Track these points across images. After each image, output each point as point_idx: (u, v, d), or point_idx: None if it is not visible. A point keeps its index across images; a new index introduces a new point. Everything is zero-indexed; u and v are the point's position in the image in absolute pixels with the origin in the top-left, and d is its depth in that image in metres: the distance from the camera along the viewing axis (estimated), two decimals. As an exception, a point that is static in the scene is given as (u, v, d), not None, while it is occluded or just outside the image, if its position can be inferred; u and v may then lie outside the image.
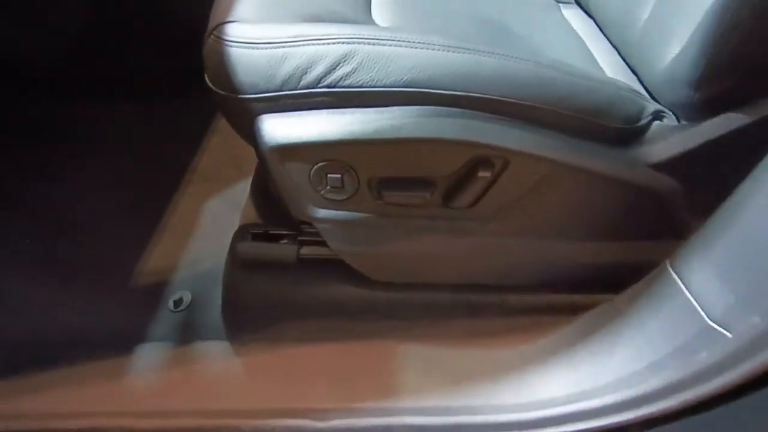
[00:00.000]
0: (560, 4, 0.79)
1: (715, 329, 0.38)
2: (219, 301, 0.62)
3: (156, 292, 0.63)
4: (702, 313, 0.40)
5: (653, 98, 0.54)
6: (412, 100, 0.44)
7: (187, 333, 0.60)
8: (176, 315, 0.62)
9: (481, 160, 0.45)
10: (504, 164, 0.45)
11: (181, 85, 0.88)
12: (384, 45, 0.43)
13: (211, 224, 0.73)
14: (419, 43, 0.43)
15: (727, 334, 0.38)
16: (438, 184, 0.47)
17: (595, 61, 0.64)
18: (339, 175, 0.47)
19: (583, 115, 0.45)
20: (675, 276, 0.43)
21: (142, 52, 0.97)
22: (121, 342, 0.58)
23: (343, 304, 0.56)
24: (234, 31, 0.45)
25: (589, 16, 0.76)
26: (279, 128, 0.45)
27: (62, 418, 0.52)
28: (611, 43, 0.68)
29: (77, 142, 0.86)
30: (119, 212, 0.74)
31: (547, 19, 0.71)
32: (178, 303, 0.62)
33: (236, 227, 0.69)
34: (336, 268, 0.54)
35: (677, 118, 0.51)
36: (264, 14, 0.49)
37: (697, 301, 0.40)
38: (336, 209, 0.50)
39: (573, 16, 0.76)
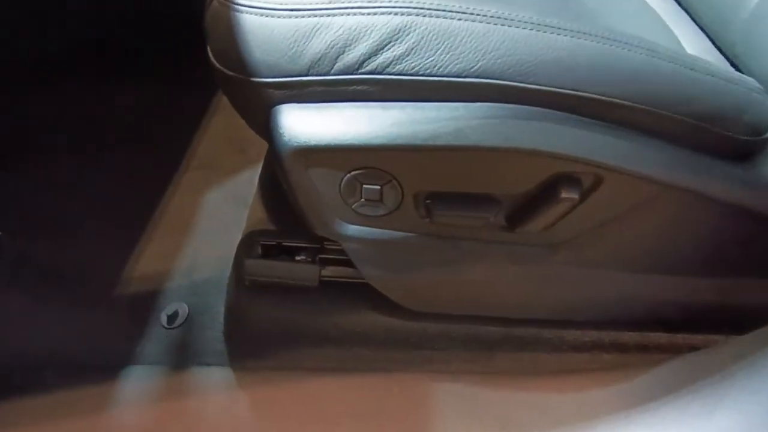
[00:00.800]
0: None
1: None
2: (221, 317, 0.52)
3: (146, 303, 0.54)
4: None
5: None
6: (484, 95, 0.33)
7: (183, 356, 0.50)
8: (170, 332, 0.52)
9: (565, 176, 0.34)
10: (595, 182, 0.35)
11: (176, 53, 0.76)
12: (452, 18, 0.32)
13: (212, 221, 0.63)
14: (501, 18, 0.32)
15: None
16: (504, 203, 0.37)
17: (680, 46, 0.53)
18: (378, 187, 0.37)
19: (703, 122, 0.35)
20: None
21: (128, 13, 0.84)
22: (104, 365, 0.49)
23: (370, 333, 0.47)
24: (247, -9, 0.34)
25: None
26: (303, 124, 0.34)
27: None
28: (697, 23, 0.56)
29: (54, 124, 0.75)
30: (104, 206, 0.63)
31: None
32: (172, 318, 0.53)
33: (242, 226, 0.59)
34: (363, 292, 0.44)
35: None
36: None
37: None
38: (370, 227, 0.39)
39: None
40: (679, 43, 0.52)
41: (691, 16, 0.54)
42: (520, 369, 0.48)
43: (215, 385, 0.49)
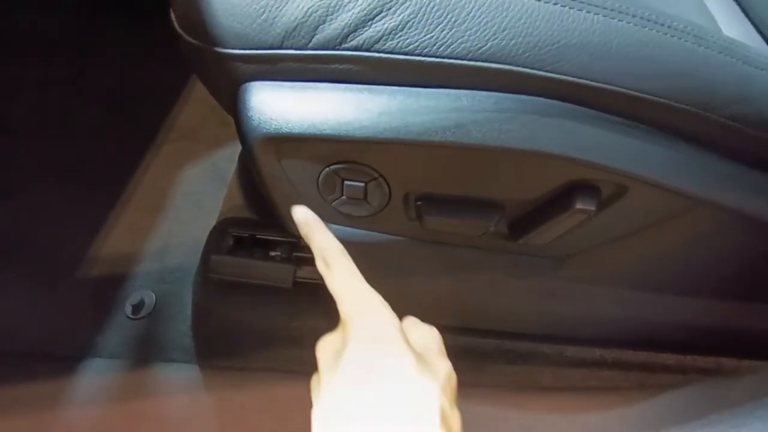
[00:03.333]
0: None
1: None
2: (189, 310, 0.48)
3: (110, 289, 0.49)
4: None
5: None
6: (493, 83, 0.27)
7: (146, 349, 0.46)
8: (134, 323, 0.48)
9: (583, 184, 0.29)
10: (617, 193, 0.30)
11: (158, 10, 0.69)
12: (458, -14, 0.26)
13: (188, 199, 0.57)
14: (517, -13, 0.26)
15: None
16: (508, 209, 0.32)
17: (714, 22, 0.47)
18: (361, 184, 0.31)
19: (749, 127, 0.29)
20: None
21: None
22: (59, 355, 0.45)
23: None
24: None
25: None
26: (275, 107, 0.29)
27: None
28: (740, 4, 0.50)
29: (18, 89, 0.68)
30: (71, 176, 0.58)
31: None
32: (137, 308, 0.49)
33: (218, 209, 0.54)
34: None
35: None
36: None
37: None
38: (352, 227, 0.34)
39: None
40: (715, 23, 0.46)
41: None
42: (512, 383, 0.44)
43: (180, 384, 0.45)
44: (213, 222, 0.49)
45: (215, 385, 0.45)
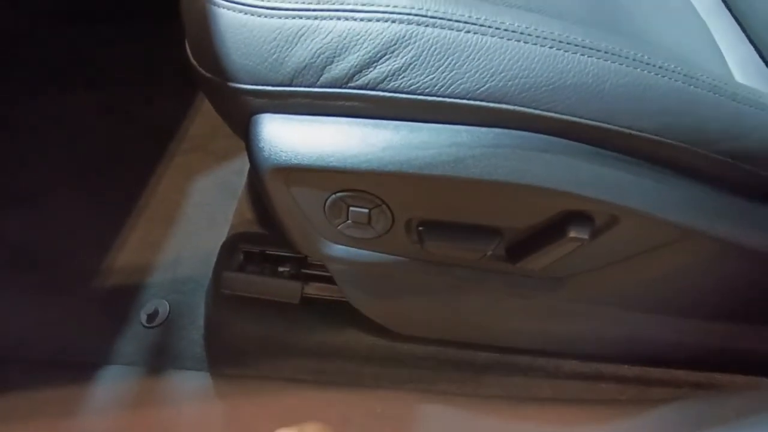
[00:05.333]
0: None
1: None
2: (201, 320, 0.50)
3: (125, 298, 0.52)
4: None
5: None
6: (492, 120, 0.28)
7: (160, 358, 0.48)
8: (148, 332, 0.50)
9: (577, 214, 0.31)
10: (609, 223, 0.31)
11: (168, 28, 0.71)
12: (459, 30, 0.27)
13: (200, 211, 0.59)
14: (516, 32, 0.27)
15: None
16: (505, 235, 0.33)
17: (719, 53, 0.47)
18: (366, 210, 0.33)
19: (739, 160, 0.30)
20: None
21: None
22: (75, 363, 0.47)
23: (354, 350, 0.44)
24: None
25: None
26: (285, 139, 0.31)
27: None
28: (740, 23, 0.50)
29: (35, 96, 0.70)
30: (87, 186, 0.60)
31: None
32: (152, 317, 0.51)
33: (229, 221, 0.56)
34: (347, 311, 0.42)
35: None
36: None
37: None
38: (357, 248, 0.36)
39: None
40: (722, 55, 0.47)
41: (740, 26, 0.48)
42: (510, 394, 0.46)
43: (192, 392, 0.47)
44: (223, 234, 0.51)
45: (226, 392, 0.47)
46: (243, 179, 0.60)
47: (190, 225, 0.58)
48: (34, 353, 0.48)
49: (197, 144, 0.67)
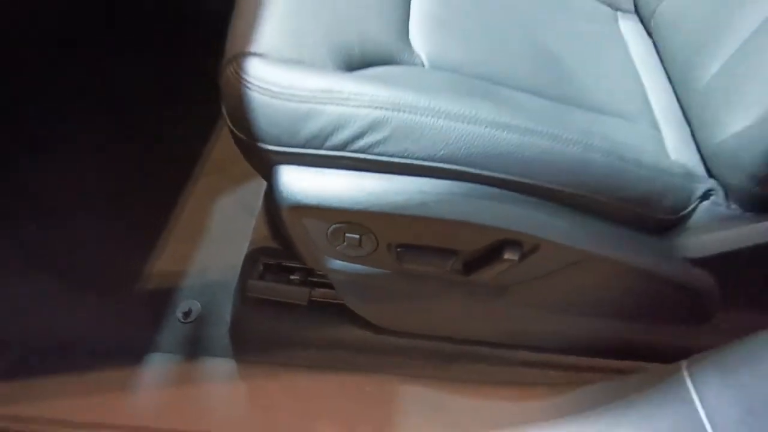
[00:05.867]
0: (618, 13, 0.71)
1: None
2: (228, 316, 0.61)
3: (165, 300, 0.63)
4: (707, 424, 0.39)
5: (705, 166, 0.50)
6: (445, 175, 0.40)
7: (194, 347, 0.60)
8: (184, 326, 0.62)
9: (509, 241, 0.42)
10: (533, 248, 0.42)
11: (190, 56, 0.83)
12: (421, 115, 0.38)
13: (221, 227, 0.71)
14: (462, 116, 0.38)
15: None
16: (460, 255, 0.45)
17: (647, 102, 0.59)
18: (357, 236, 0.44)
19: (628, 204, 0.42)
20: (690, 384, 0.41)
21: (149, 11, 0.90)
22: (126, 352, 0.59)
23: (349, 342, 0.56)
24: (255, 69, 0.41)
25: (649, 34, 0.68)
26: (299, 184, 0.42)
27: (65, 427, 0.54)
28: (670, 80, 0.62)
29: (73, 122, 0.82)
30: (124, 207, 0.72)
31: (601, 41, 0.64)
32: (187, 314, 0.62)
33: (247, 234, 0.67)
34: (344, 311, 0.53)
35: (726, 195, 0.47)
36: (292, 42, 0.44)
37: (707, 418, 0.39)
38: (351, 263, 0.48)
39: (630, 30, 0.69)
40: (647, 101, 0.58)
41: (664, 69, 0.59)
42: (473, 378, 0.57)
43: (220, 375, 0.59)
44: (243, 247, 0.63)
45: (248, 375, 0.58)
46: (259, 200, 0.71)
47: (214, 239, 0.70)
48: (93, 344, 0.60)
49: (218, 167, 0.79)
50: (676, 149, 0.53)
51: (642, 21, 0.69)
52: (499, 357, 0.56)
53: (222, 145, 0.82)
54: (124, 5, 0.90)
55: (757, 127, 0.43)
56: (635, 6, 0.71)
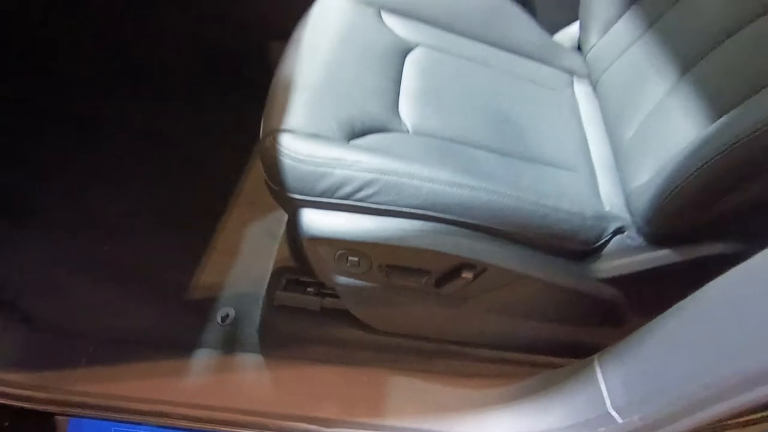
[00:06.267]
0: (575, 78, 0.88)
1: (612, 415, 0.52)
2: (257, 320, 0.78)
3: (207, 306, 0.80)
4: (607, 401, 0.54)
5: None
6: (419, 217, 0.57)
7: (231, 344, 0.77)
8: (223, 328, 0.79)
9: (465, 264, 0.58)
10: (482, 270, 0.59)
11: (231, 101, 1.02)
12: (400, 177, 0.55)
13: (252, 248, 0.88)
14: (429, 178, 0.55)
15: (619, 420, 0.52)
16: (432, 273, 0.61)
17: (588, 152, 0.75)
18: (357, 259, 0.61)
19: (550, 238, 0.58)
20: (598, 369, 0.57)
21: (195, 62, 1.10)
22: (178, 346, 0.76)
23: (350, 341, 0.72)
24: (286, 141, 0.58)
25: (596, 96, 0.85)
26: (315, 222, 0.59)
27: (136, 402, 0.71)
28: (608, 133, 0.78)
29: (128, 151, 1.01)
30: (174, 231, 0.90)
31: (555, 103, 0.81)
32: (224, 318, 0.79)
33: (272, 255, 0.84)
34: (348, 315, 0.70)
35: (637, 230, 0.63)
36: (312, 119, 0.61)
37: (607, 392, 0.54)
38: (353, 278, 0.64)
39: (583, 93, 0.85)
40: (587, 151, 0.74)
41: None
42: (447, 371, 0.73)
43: (249, 365, 0.75)
44: (269, 266, 0.80)
45: (273, 367, 0.74)
46: (282, 227, 0.88)
47: (245, 259, 0.87)
48: (153, 339, 0.76)
49: (249, 200, 0.96)
50: (608, 194, 0.70)
51: (592, 85, 0.86)
52: (467, 354, 0.72)
53: (252, 182, 1.00)
54: (174, 55, 1.09)
55: (649, 182, 0.59)
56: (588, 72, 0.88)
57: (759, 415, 0.44)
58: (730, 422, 0.45)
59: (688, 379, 0.44)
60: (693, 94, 0.58)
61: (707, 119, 0.54)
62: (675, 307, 0.50)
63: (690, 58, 0.61)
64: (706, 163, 0.48)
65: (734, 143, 0.46)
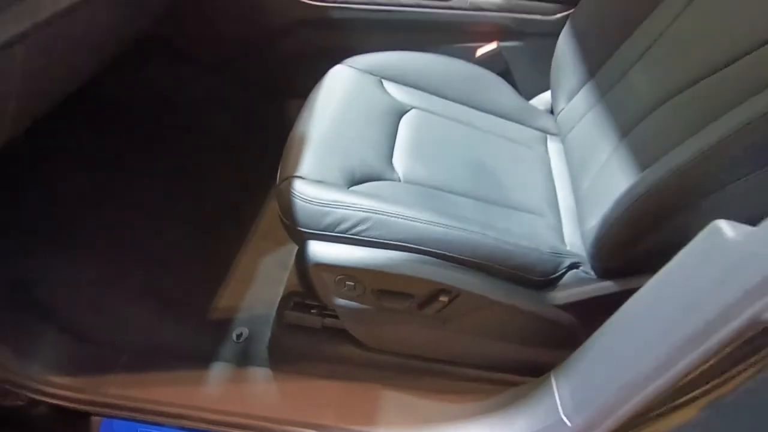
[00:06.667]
0: (548, 136, 1.02)
1: (564, 420, 0.63)
2: (267, 339, 0.90)
3: (225, 326, 0.93)
4: (560, 409, 0.64)
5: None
6: (404, 249, 0.69)
7: (244, 359, 0.88)
8: (237, 345, 0.90)
9: (442, 289, 0.70)
10: (457, 294, 0.70)
11: (255, 149, 1.18)
12: (389, 216, 0.69)
13: (265, 277, 1.01)
14: (412, 217, 0.69)
15: (568, 423, 0.62)
16: (415, 297, 0.73)
17: (555, 200, 0.88)
18: (353, 283, 0.73)
19: (512, 270, 0.70)
20: (553, 382, 0.67)
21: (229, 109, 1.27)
22: (200, 359, 0.88)
23: (349, 358, 0.83)
24: (298, 186, 0.73)
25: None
26: (319, 251, 0.72)
27: (161, 405, 0.82)
28: (572, 184, 0.91)
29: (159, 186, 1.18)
30: (201, 259, 1.04)
31: (529, 158, 0.95)
32: (239, 336, 0.91)
33: (282, 282, 0.97)
34: (346, 334, 0.81)
35: (591, 266, 0.75)
36: (320, 168, 0.76)
37: (559, 401, 0.65)
38: (349, 300, 0.76)
39: (555, 150, 0.99)
40: (555, 198, 0.87)
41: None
42: (432, 388, 0.83)
43: (260, 378, 0.86)
44: (278, 291, 0.92)
45: (278, 378, 0.85)
46: (291, 258, 1.01)
47: (259, 285, 1.00)
48: (177, 352, 0.88)
49: (263, 234, 1.10)
50: (569, 235, 0.82)
51: (562, 143, 1.00)
52: (448, 372, 0.82)
53: (266, 220, 1.14)
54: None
55: (595, 225, 0.71)
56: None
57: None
58: (651, 415, 0.55)
59: (613, 379, 0.55)
60: (628, 155, 0.71)
61: (637, 175, 0.67)
62: (605, 323, 0.61)
63: (626, 126, 0.75)
64: (627, 208, 0.60)
65: (647, 192, 0.58)
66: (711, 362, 0.46)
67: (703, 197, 0.53)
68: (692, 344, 0.45)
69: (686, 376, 0.48)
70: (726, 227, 0.42)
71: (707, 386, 0.48)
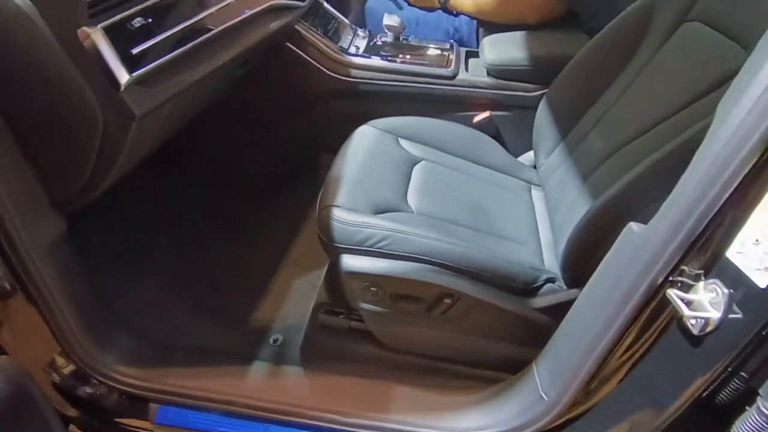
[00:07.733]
0: (532, 186, 1.26)
1: (542, 396, 0.80)
2: (299, 343, 1.07)
3: (264, 332, 1.11)
4: (540, 387, 0.81)
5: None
6: (417, 260, 0.90)
7: (279, 359, 1.06)
8: (274, 348, 1.08)
9: (447, 293, 0.90)
10: (458, 297, 0.90)
11: (291, 194, 1.42)
12: (405, 235, 0.90)
13: (297, 294, 1.21)
14: (423, 236, 0.90)
15: (545, 398, 0.79)
16: (425, 300, 0.92)
17: (537, 234, 1.10)
18: (375, 289, 0.93)
19: (500, 278, 0.90)
20: (534, 367, 0.85)
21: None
22: (243, 358, 1.05)
23: (367, 357, 1.01)
24: (336, 212, 0.95)
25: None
26: (351, 264, 0.93)
27: (210, 392, 0.98)
28: (550, 222, 1.13)
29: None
30: (246, 279, 1.24)
31: (516, 201, 1.18)
32: (275, 341, 1.09)
33: (312, 299, 1.16)
34: (369, 335, 0.99)
35: (564, 281, 0.95)
36: (353, 200, 0.98)
37: (539, 380, 0.82)
38: (372, 305, 0.95)
39: (537, 197, 1.22)
40: (537, 233, 1.09)
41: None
42: (437, 383, 1.00)
43: (292, 374, 1.03)
44: (308, 306, 1.11)
45: (308, 375, 1.02)
46: (319, 281, 1.21)
47: (292, 301, 1.19)
48: (222, 353, 1.06)
49: (296, 260, 1.31)
50: (548, 259, 1.03)
51: (543, 191, 1.23)
52: (451, 371, 1.00)
53: (299, 248, 1.36)
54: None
55: (562, 251, 0.92)
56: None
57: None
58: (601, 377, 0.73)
59: (573, 351, 0.74)
60: (588, 194, 0.94)
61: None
62: (567, 315, 0.81)
63: (587, 173, 0.98)
64: (582, 227, 0.82)
65: (594, 215, 0.80)
66: (632, 333, 0.66)
67: (631, 216, 0.75)
68: (618, 311, 0.64)
69: (619, 340, 0.67)
70: (635, 227, 0.63)
71: (631, 351, 0.67)
